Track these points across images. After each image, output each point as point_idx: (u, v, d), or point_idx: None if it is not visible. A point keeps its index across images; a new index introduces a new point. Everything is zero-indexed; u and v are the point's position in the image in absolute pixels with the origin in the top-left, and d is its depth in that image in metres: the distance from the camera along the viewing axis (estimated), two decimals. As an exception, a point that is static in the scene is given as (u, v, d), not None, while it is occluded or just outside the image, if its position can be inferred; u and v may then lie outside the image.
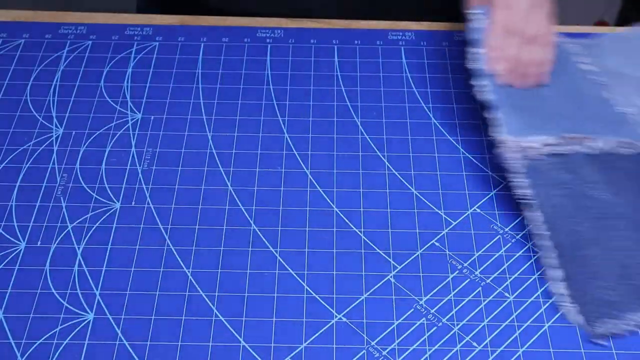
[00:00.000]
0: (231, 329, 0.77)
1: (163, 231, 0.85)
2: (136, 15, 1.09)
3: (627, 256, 0.69)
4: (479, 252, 0.84)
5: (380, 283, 0.82)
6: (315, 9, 1.12)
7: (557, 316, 0.78)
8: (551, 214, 0.72)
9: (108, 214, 0.86)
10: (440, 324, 0.77)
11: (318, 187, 0.90)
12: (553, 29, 0.86)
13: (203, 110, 0.98)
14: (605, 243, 0.70)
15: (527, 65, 0.84)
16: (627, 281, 0.68)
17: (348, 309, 0.79)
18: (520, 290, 0.80)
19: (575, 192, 0.73)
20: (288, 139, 0.95)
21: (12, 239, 0.83)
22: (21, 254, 0.82)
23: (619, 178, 0.75)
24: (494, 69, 0.83)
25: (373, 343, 0.76)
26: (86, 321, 0.76)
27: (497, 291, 0.81)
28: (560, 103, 0.84)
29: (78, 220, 0.85)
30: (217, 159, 0.93)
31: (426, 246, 0.85)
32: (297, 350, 0.75)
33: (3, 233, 0.83)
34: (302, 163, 0.93)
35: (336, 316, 0.78)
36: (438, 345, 0.76)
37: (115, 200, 0.88)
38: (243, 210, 0.87)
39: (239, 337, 0.76)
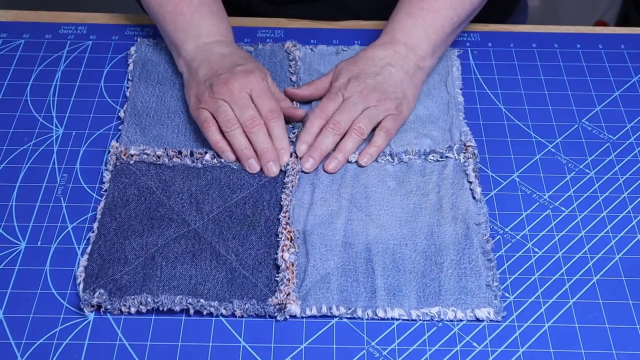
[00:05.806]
0: (231, 329, 0.77)
1: (163, 231, 0.85)
2: (136, 15, 1.09)
3: (157, 251, 0.80)
4: (479, 252, 0.84)
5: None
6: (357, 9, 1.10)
7: (557, 316, 0.78)
8: (111, 204, 0.84)
9: (108, 214, 0.86)
10: (440, 324, 0.77)
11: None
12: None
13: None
14: (146, 238, 0.81)
15: None
16: (145, 270, 0.79)
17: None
18: (520, 290, 0.80)
19: (148, 193, 0.85)
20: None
21: (12, 239, 0.83)
22: (21, 254, 0.82)
23: (199, 189, 0.86)
24: None
25: (373, 343, 0.76)
26: (86, 321, 0.76)
27: (497, 291, 0.81)
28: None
29: (78, 220, 0.85)
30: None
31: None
32: (297, 350, 0.75)
33: (3, 233, 0.83)
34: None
35: (336, 316, 0.78)
36: (438, 345, 0.76)
37: (115, 200, 0.88)
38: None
39: (239, 337, 0.76)
